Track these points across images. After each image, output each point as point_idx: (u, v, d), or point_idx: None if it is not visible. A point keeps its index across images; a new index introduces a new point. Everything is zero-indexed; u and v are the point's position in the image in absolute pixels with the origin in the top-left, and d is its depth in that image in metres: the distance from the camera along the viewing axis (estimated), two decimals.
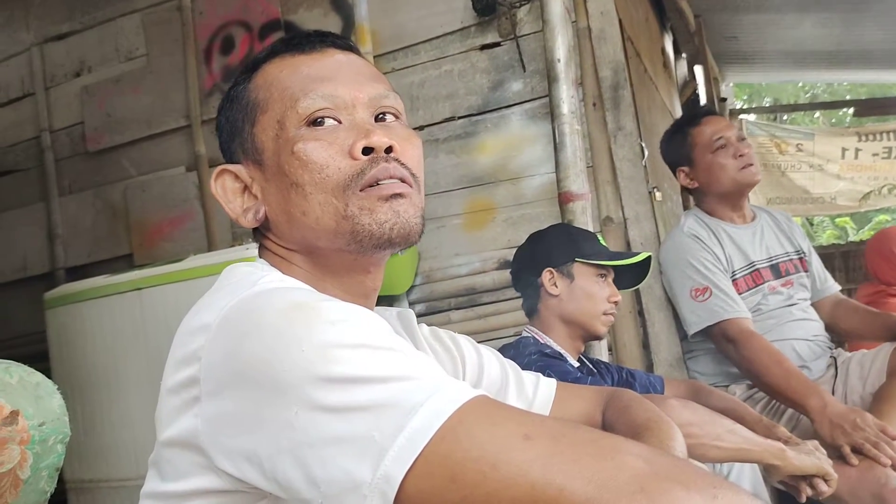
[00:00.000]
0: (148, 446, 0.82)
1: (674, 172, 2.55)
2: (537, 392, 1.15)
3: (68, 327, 2.71)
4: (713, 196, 2.44)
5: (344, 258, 0.87)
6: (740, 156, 2.37)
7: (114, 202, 3.64)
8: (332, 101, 0.85)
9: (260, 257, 0.92)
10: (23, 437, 1.10)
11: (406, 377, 0.64)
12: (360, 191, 0.83)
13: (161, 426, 0.75)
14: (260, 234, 0.93)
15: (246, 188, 0.91)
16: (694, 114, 2.62)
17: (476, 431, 0.61)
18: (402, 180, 0.84)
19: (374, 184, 0.83)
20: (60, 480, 1.26)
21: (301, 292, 0.75)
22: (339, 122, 0.86)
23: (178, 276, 2.51)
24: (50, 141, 3.78)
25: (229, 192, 0.91)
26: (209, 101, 3.43)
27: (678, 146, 2.49)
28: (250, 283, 0.76)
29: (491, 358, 1.15)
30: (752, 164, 2.39)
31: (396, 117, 0.90)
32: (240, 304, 0.72)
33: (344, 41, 0.92)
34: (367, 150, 0.83)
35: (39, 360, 2.29)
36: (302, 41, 0.90)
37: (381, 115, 0.89)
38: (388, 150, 0.84)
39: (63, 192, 3.77)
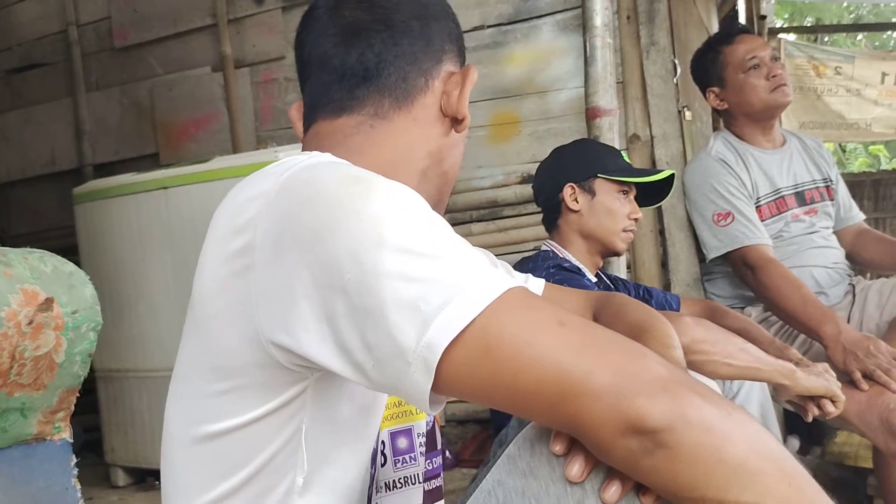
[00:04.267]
0: (174, 339, 0.83)
1: (703, 93, 2.49)
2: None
3: (96, 222, 2.77)
4: (743, 118, 2.40)
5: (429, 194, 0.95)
6: (773, 76, 2.31)
7: (140, 100, 3.64)
8: None
9: (380, 117, 0.91)
10: (57, 324, 1.15)
11: (456, 259, 0.67)
12: None
13: (205, 299, 0.76)
14: (410, 109, 0.92)
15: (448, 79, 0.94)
16: (727, 32, 2.53)
17: (516, 312, 0.65)
18: None
19: None
20: (90, 369, 1.31)
21: (356, 168, 0.77)
22: None
23: (203, 176, 2.54)
24: (77, 35, 3.76)
25: (453, 84, 0.94)
26: (235, 0, 3.38)
27: (709, 65, 2.43)
28: (304, 158, 0.77)
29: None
30: (784, 85, 2.32)
31: None
32: (298, 173, 0.74)
33: None
34: None
35: (69, 253, 2.35)
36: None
37: None
38: None
39: (90, 87, 3.78)
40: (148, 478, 2.82)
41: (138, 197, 2.67)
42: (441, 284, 0.65)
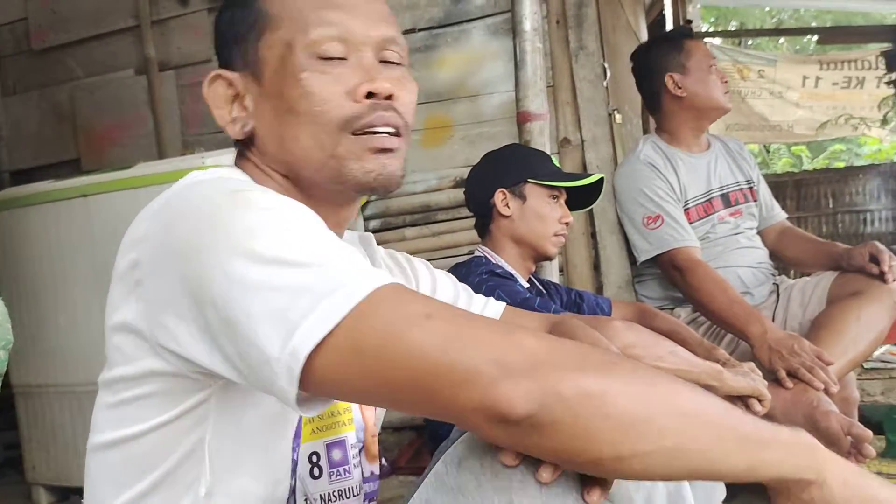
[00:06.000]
0: (96, 352, 0.84)
1: (654, 79, 2.47)
2: (484, 313, 1.17)
3: (13, 232, 2.65)
4: (689, 112, 2.42)
5: (322, 189, 0.88)
6: (724, 82, 2.43)
7: (60, 104, 3.51)
8: (342, 35, 0.85)
9: (237, 166, 0.92)
10: None
11: (326, 265, 0.67)
12: (353, 134, 0.83)
13: (109, 312, 0.79)
14: (243, 145, 0.92)
15: (237, 97, 0.89)
16: (688, 30, 2.64)
17: (383, 310, 0.65)
18: (396, 131, 0.85)
19: (368, 131, 0.83)
20: (7, 385, 1.25)
21: (240, 182, 0.78)
22: (345, 58, 0.85)
23: (126, 183, 2.45)
24: None
25: (220, 98, 0.89)
26: (159, 1, 3.28)
27: (669, 51, 2.43)
28: (195, 174, 0.79)
29: (445, 280, 1.19)
30: (728, 93, 2.45)
31: (399, 63, 0.90)
32: (180, 190, 0.76)
33: None
34: (369, 94, 0.84)
35: None
36: None
37: (386, 58, 0.88)
38: (388, 96, 0.85)
39: (7, 91, 3.62)
40: (72, 496, 2.71)
41: (58, 205, 2.56)
42: (308, 292, 0.65)
